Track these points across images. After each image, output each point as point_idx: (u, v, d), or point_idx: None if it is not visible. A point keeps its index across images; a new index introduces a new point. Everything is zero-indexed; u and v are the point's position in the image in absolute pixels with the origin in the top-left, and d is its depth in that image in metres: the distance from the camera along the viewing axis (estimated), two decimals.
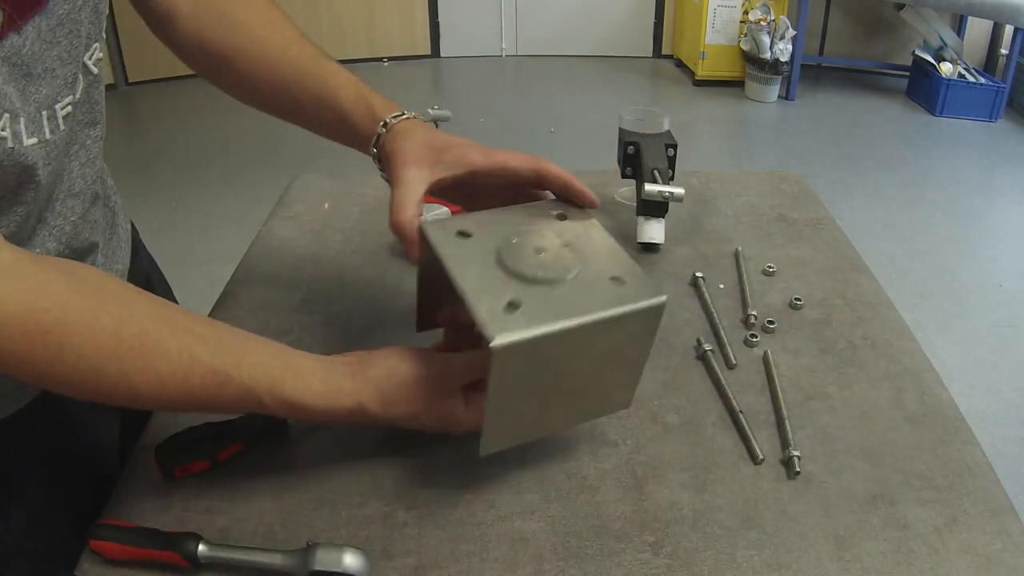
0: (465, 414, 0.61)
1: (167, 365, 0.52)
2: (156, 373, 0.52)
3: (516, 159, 0.65)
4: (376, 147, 0.67)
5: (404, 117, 0.67)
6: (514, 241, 0.60)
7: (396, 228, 0.62)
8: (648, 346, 0.59)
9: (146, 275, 0.87)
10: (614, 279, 0.57)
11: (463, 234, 0.60)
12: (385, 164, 0.67)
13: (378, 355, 0.61)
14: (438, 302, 0.67)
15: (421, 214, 0.62)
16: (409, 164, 0.64)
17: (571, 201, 0.65)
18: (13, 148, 0.50)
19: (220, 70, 0.74)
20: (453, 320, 0.68)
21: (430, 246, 0.60)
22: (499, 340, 0.50)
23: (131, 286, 0.57)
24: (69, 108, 0.57)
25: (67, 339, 0.49)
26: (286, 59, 0.71)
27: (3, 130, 0.49)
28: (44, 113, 0.54)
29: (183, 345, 0.53)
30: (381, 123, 0.67)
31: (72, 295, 0.50)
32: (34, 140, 0.53)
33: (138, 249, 0.85)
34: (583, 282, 0.57)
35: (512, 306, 0.54)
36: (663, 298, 0.56)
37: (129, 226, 0.82)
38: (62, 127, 0.56)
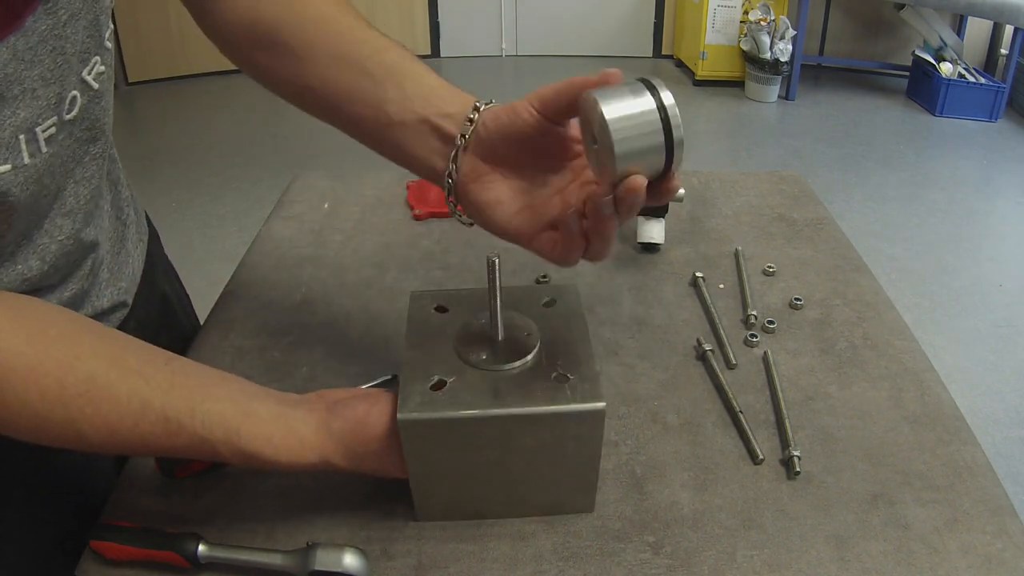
0: None
1: (115, 410, 0.50)
2: (104, 419, 0.50)
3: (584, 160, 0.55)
4: (450, 179, 0.57)
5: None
6: (481, 322, 0.62)
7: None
8: (594, 448, 0.58)
9: (162, 294, 0.83)
10: (558, 376, 0.57)
11: (441, 309, 0.64)
12: (471, 206, 0.57)
13: (345, 404, 0.57)
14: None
15: None
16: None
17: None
18: None
19: (271, 52, 0.63)
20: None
21: (409, 318, 0.63)
22: (403, 415, 0.54)
23: (82, 321, 0.55)
24: (53, 130, 0.52)
25: (10, 385, 0.47)
26: (350, 42, 0.63)
27: None
28: (22, 137, 0.49)
29: (133, 390, 0.51)
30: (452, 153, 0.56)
31: (16, 338, 0.48)
32: (7, 167, 0.48)
33: (155, 262, 0.81)
34: (525, 375, 0.58)
35: (441, 383, 0.57)
36: (601, 405, 0.56)
37: (146, 240, 0.79)
38: (44, 149, 0.51)
